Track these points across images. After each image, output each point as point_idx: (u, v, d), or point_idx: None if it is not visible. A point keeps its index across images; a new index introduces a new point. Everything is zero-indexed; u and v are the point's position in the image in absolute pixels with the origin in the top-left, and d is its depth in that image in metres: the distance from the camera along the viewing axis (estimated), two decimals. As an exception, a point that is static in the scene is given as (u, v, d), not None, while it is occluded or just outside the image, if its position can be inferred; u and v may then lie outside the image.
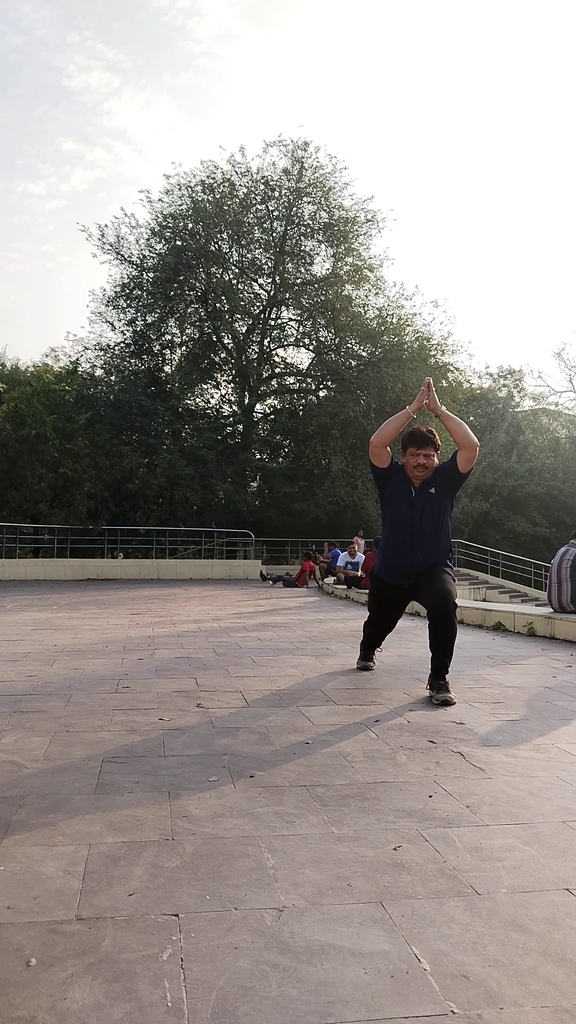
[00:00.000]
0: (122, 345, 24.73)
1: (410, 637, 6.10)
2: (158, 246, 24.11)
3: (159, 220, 23.87)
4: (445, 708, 3.52)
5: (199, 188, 23.77)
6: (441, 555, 3.97)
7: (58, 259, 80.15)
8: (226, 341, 25.41)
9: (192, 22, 75.43)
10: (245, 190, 23.88)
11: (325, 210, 24.02)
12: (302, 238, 24.27)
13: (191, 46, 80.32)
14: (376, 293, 24.77)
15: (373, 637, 4.48)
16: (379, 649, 4.74)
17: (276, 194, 23.67)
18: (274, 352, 25.90)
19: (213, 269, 23.95)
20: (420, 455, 3.91)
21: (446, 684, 3.71)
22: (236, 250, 24.29)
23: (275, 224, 24.12)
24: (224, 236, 23.85)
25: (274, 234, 24.15)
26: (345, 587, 12.54)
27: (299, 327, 25.51)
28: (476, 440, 3.97)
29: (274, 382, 26.26)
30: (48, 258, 79.53)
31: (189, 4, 74.11)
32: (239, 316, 24.37)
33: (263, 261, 24.53)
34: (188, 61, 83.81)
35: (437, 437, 3.97)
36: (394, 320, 24.25)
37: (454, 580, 3.97)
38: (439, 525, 3.95)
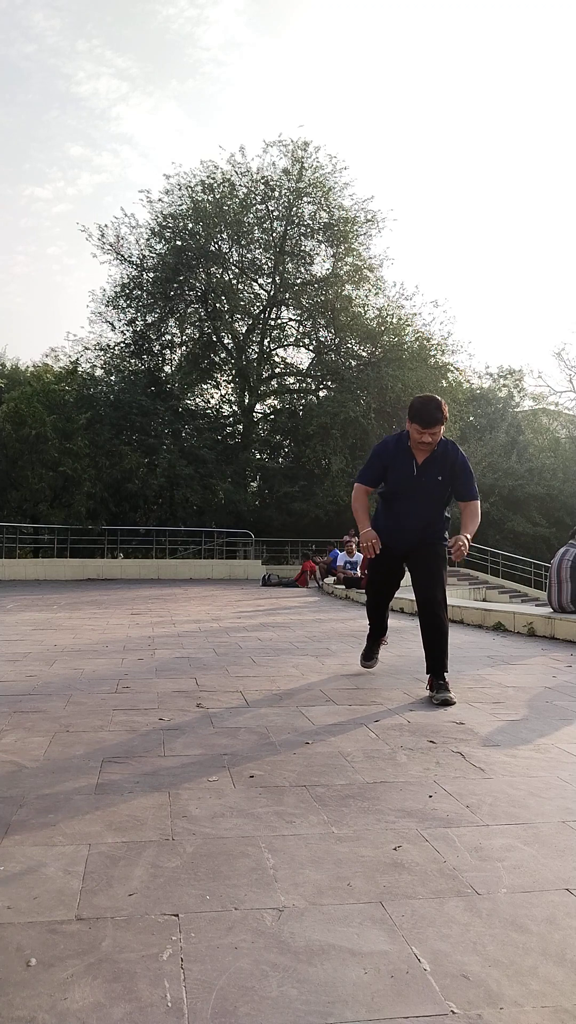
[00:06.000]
0: (122, 345, 24.75)
1: (410, 637, 6.10)
2: (158, 246, 24.15)
3: (159, 220, 23.91)
4: (445, 708, 3.52)
5: (199, 188, 23.79)
6: (437, 532, 3.97)
7: (64, 262, 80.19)
8: (226, 341, 25.41)
9: (200, 30, 75.46)
10: (245, 190, 23.88)
11: (325, 210, 24.03)
12: (302, 238, 24.28)
13: (198, 53, 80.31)
14: (376, 293, 24.79)
15: (375, 613, 4.40)
16: (384, 642, 4.68)
17: (276, 194, 23.68)
18: (274, 352, 25.90)
19: (213, 269, 23.95)
20: (426, 434, 3.81)
21: (446, 684, 3.72)
22: (236, 250, 24.29)
23: (275, 224, 24.12)
24: (224, 236, 23.85)
25: (274, 234, 24.15)
26: (345, 587, 12.55)
27: (299, 327, 25.53)
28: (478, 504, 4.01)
29: (274, 382, 26.25)
30: (54, 261, 79.58)
31: (197, 13, 74.18)
32: (239, 316, 24.38)
33: (263, 261, 24.53)
34: (195, 68, 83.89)
35: (445, 410, 3.85)
36: (394, 320, 24.24)
37: (447, 562, 3.97)
38: (437, 499, 3.94)
